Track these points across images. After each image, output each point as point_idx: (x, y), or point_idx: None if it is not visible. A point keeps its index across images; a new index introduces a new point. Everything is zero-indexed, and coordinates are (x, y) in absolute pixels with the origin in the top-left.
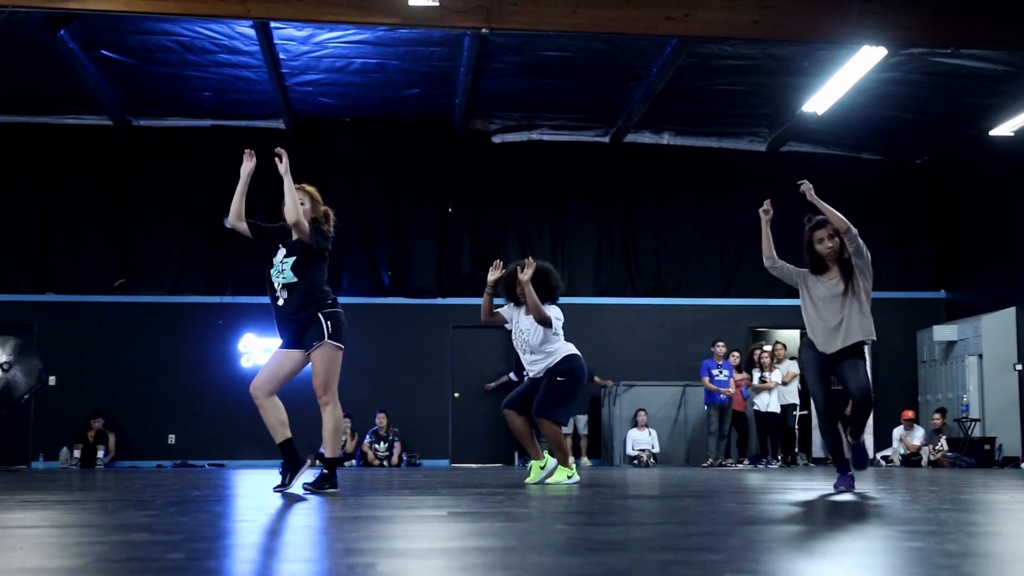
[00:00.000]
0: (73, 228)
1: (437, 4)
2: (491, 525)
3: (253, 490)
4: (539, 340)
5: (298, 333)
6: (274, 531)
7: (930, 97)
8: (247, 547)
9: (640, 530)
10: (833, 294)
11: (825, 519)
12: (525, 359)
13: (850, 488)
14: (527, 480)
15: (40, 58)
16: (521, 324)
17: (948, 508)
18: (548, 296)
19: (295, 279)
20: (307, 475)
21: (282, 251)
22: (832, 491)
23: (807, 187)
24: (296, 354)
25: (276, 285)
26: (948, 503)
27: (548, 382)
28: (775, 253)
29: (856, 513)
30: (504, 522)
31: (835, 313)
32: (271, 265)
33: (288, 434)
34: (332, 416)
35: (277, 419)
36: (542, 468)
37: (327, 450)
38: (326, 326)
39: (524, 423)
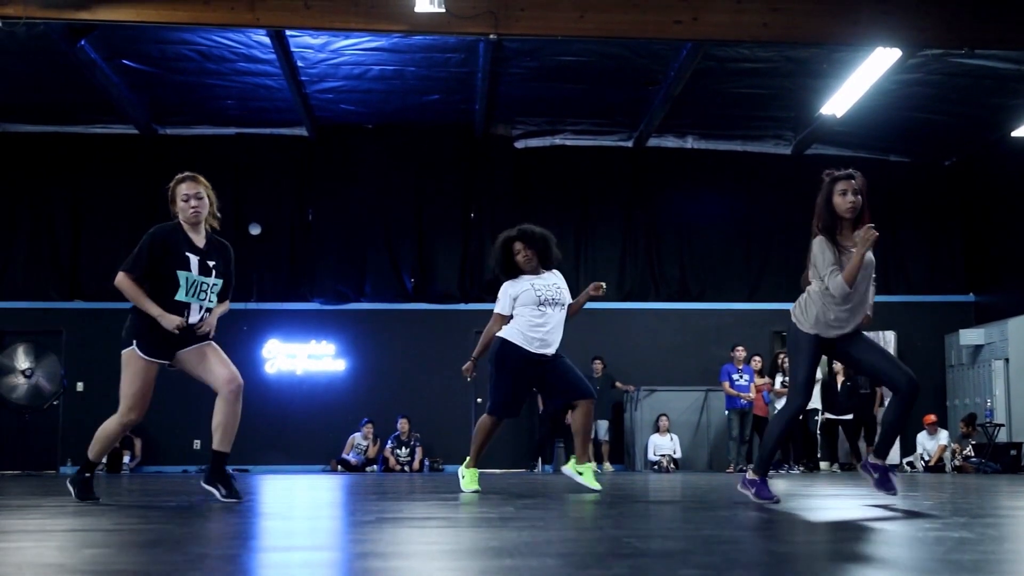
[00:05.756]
0: (102, 236)
1: (443, 11)
2: (396, 531)
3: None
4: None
5: (189, 341)
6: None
7: (954, 98)
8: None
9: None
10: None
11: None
12: (555, 327)
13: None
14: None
15: (65, 69)
16: (558, 285)
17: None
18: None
19: (213, 305)
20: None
21: (211, 271)
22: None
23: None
24: (158, 367)
25: (195, 307)
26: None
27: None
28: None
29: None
30: (414, 528)
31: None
32: (185, 281)
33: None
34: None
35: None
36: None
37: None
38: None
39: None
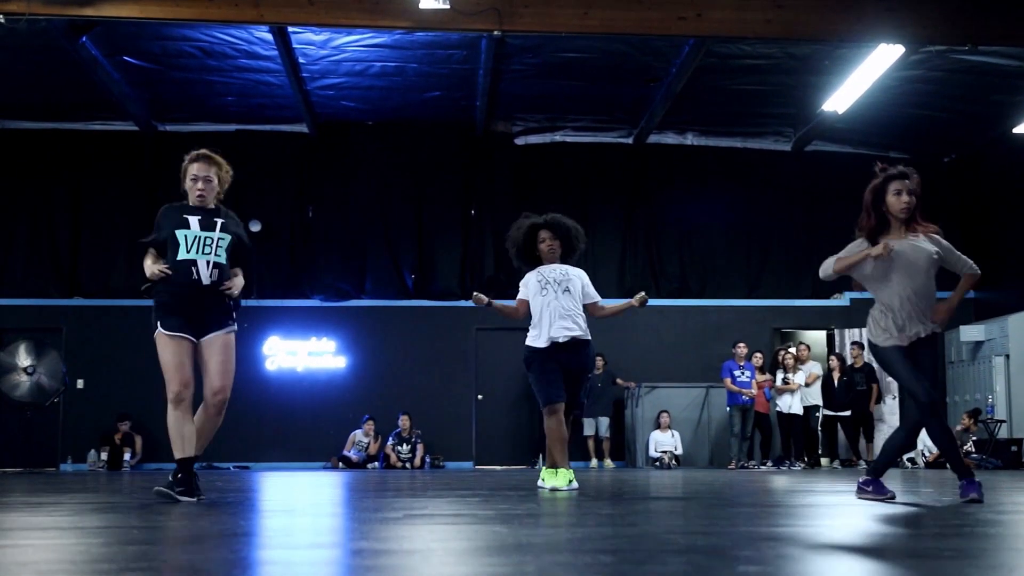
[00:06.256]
0: (102, 233)
1: (448, 7)
2: (432, 527)
3: (268, 493)
4: (580, 296)
5: (213, 314)
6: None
7: (955, 95)
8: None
9: (567, 532)
10: (924, 255)
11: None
12: (563, 311)
13: (980, 498)
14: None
15: (65, 65)
16: (568, 274)
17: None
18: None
19: (225, 262)
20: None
21: (216, 227)
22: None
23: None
24: (190, 344)
25: (203, 263)
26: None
27: (584, 378)
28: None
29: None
30: (449, 525)
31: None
32: (184, 239)
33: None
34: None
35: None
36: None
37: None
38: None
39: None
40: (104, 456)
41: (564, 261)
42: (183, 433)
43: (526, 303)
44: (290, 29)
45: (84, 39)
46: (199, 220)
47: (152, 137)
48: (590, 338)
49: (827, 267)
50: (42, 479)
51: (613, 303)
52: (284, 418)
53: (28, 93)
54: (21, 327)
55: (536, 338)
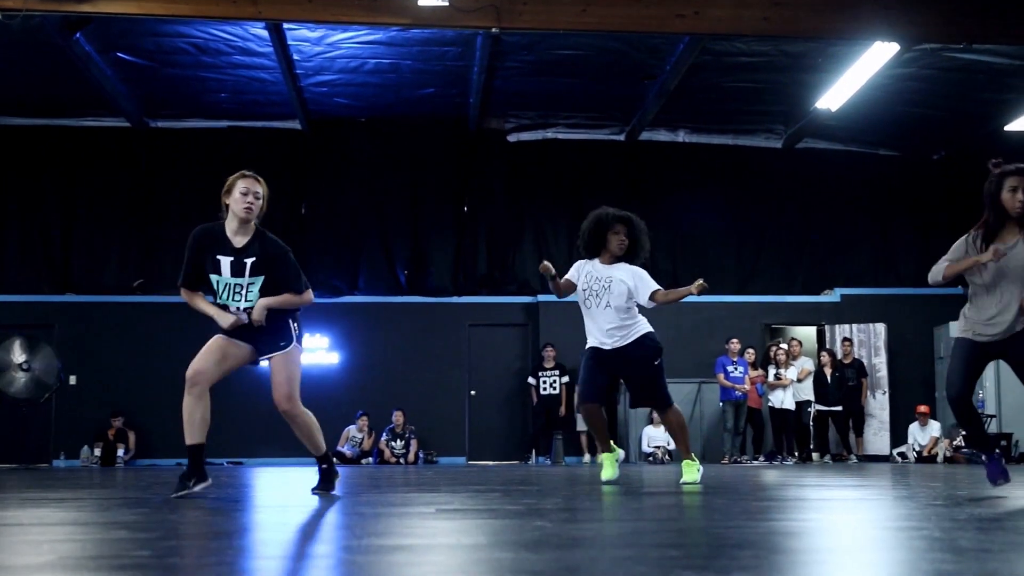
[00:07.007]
0: (93, 229)
1: (447, 4)
2: (473, 522)
3: (258, 488)
4: (625, 302)
5: (265, 334)
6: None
7: (945, 93)
8: (215, 544)
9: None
10: (1014, 270)
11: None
12: (603, 326)
13: (1007, 478)
14: (606, 476)
15: (58, 61)
16: (612, 279)
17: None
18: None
19: (255, 302)
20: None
21: (245, 270)
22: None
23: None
24: (247, 350)
25: (233, 308)
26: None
27: (651, 372)
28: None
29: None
30: (487, 519)
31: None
32: (217, 284)
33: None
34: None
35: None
36: (617, 460)
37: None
38: (294, 328)
39: (603, 413)
40: (97, 452)
41: (630, 261)
42: (193, 419)
43: (571, 287)
44: (285, 26)
45: (78, 35)
46: (231, 263)
47: (144, 133)
48: (641, 335)
49: (936, 273)
50: (38, 475)
51: (668, 292)
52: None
53: (20, 89)
54: (13, 324)
55: (590, 335)
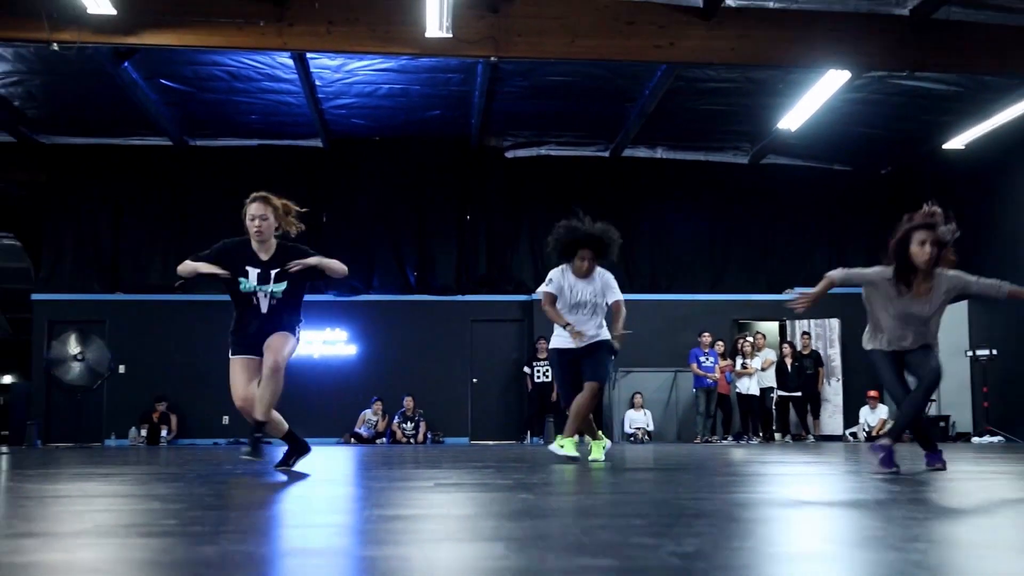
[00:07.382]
0: (140, 235)
1: (451, 36)
2: (466, 495)
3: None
4: (600, 308)
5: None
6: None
7: (891, 115)
8: (237, 514)
9: (587, 499)
10: (919, 315)
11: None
12: (583, 317)
13: (943, 466)
14: (594, 458)
15: (108, 87)
16: (594, 292)
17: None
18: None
19: (280, 298)
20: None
21: (271, 279)
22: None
23: None
24: (258, 361)
25: (260, 293)
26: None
27: (602, 356)
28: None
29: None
30: (479, 492)
31: (915, 328)
32: (242, 284)
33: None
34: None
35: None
36: (604, 447)
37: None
38: (297, 331)
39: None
40: (144, 433)
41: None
42: (276, 419)
43: (553, 299)
44: (308, 55)
45: (126, 64)
46: (258, 274)
47: (184, 151)
48: (602, 339)
49: (835, 273)
50: (90, 452)
51: (617, 314)
52: (303, 399)
53: (75, 111)
54: (69, 319)
55: (560, 341)
